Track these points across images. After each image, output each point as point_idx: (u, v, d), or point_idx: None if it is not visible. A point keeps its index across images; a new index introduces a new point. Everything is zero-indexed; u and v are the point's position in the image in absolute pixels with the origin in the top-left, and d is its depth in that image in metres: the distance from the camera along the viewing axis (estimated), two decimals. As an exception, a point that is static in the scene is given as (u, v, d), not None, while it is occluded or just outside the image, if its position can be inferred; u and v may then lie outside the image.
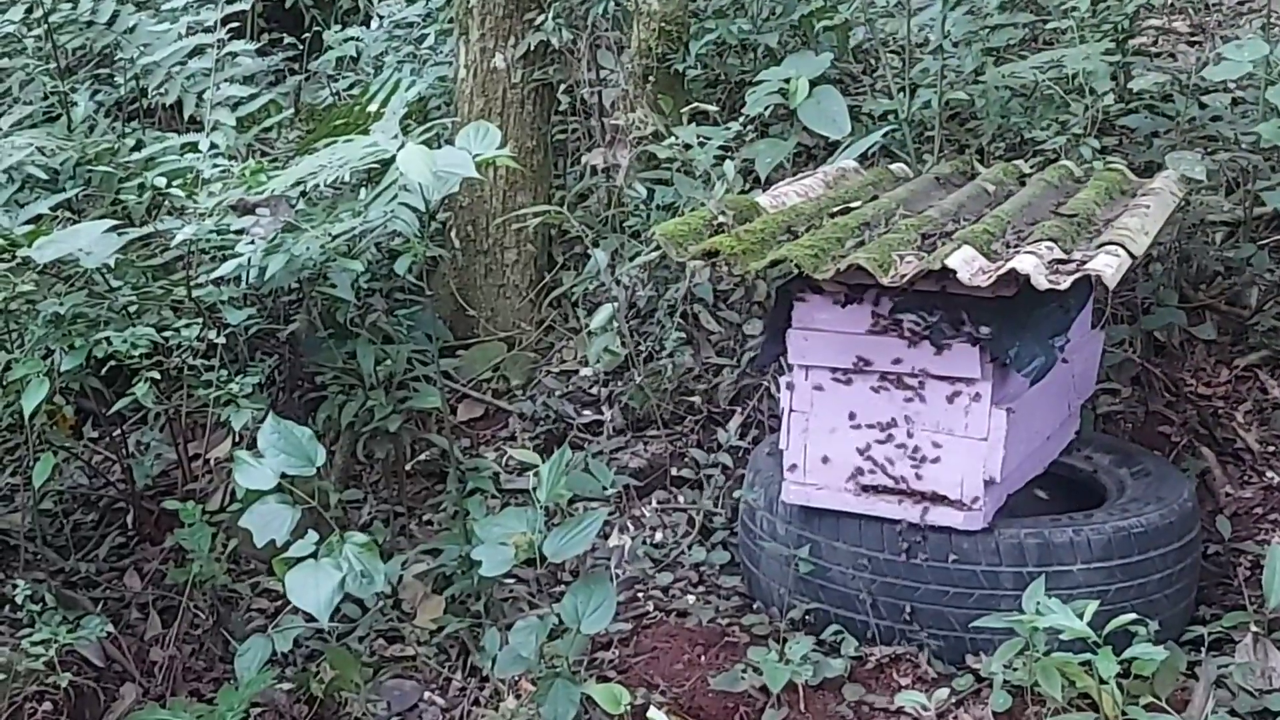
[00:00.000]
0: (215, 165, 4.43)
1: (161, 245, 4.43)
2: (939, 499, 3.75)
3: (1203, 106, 5.31)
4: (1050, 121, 5.03)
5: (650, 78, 5.29)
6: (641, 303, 5.01)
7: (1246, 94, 5.43)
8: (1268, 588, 3.68)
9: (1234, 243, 5.09)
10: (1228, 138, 5.16)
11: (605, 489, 4.34)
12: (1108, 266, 3.46)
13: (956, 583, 3.72)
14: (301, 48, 6.75)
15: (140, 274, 4.36)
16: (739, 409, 4.84)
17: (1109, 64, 5.06)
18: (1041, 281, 3.42)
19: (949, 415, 3.72)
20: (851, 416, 3.83)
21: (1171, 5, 6.69)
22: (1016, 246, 3.68)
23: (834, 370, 3.83)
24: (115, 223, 4.11)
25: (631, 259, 4.89)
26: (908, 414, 3.77)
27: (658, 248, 4.10)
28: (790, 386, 3.90)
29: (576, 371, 5.14)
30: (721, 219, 3.88)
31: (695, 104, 5.03)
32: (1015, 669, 3.50)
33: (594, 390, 5.02)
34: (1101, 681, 3.28)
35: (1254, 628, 3.75)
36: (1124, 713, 3.32)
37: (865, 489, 3.83)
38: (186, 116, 5.15)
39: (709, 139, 4.84)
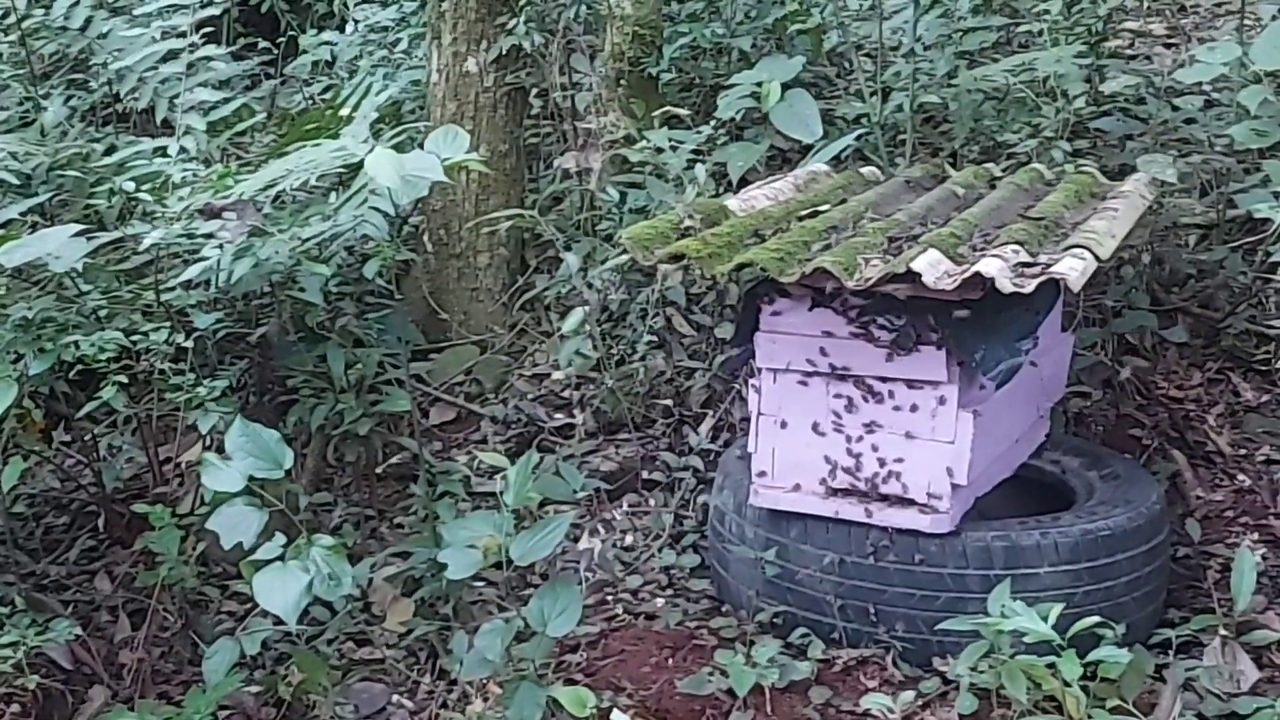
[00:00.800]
0: (184, 169, 4.43)
1: (131, 250, 4.43)
2: (906, 502, 3.75)
3: (1175, 109, 5.32)
4: (1022, 125, 5.04)
5: (623, 81, 5.29)
6: (614, 306, 5.01)
7: (1221, 96, 5.44)
8: (1236, 591, 3.70)
9: (1206, 245, 5.10)
10: (1201, 140, 5.17)
11: (575, 492, 4.33)
12: (1073, 270, 3.47)
13: (923, 586, 3.72)
14: (277, 52, 6.75)
15: (110, 278, 4.36)
16: (710, 412, 4.84)
17: (1081, 67, 5.08)
18: (1006, 285, 3.42)
19: (916, 418, 3.72)
20: (819, 420, 3.83)
21: (1148, 8, 6.70)
22: (983, 250, 3.68)
23: (801, 373, 3.83)
24: (83, 227, 4.11)
25: (604, 262, 4.88)
26: (875, 417, 3.77)
27: (626, 251, 4.10)
28: (758, 390, 3.91)
29: (548, 375, 5.13)
30: (689, 222, 3.88)
31: (668, 107, 5.04)
32: (981, 672, 3.50)
33: (566, 394, 5.02)
34: (1065, 684, 3.28)
35: (1222, 631, 3.76)
36: (1090, 716, 3.32)
37: (833, 492, 3.84)
38: (160, 121, 5.15)
39: (681, 143, 4.85)
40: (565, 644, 3.93)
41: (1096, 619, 3.32)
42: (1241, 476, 4.58)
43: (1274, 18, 4.77)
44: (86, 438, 4.75)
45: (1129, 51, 6.34)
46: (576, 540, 4.45)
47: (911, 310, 3.66)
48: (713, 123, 5.00)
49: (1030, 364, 3.85)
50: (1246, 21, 5.31)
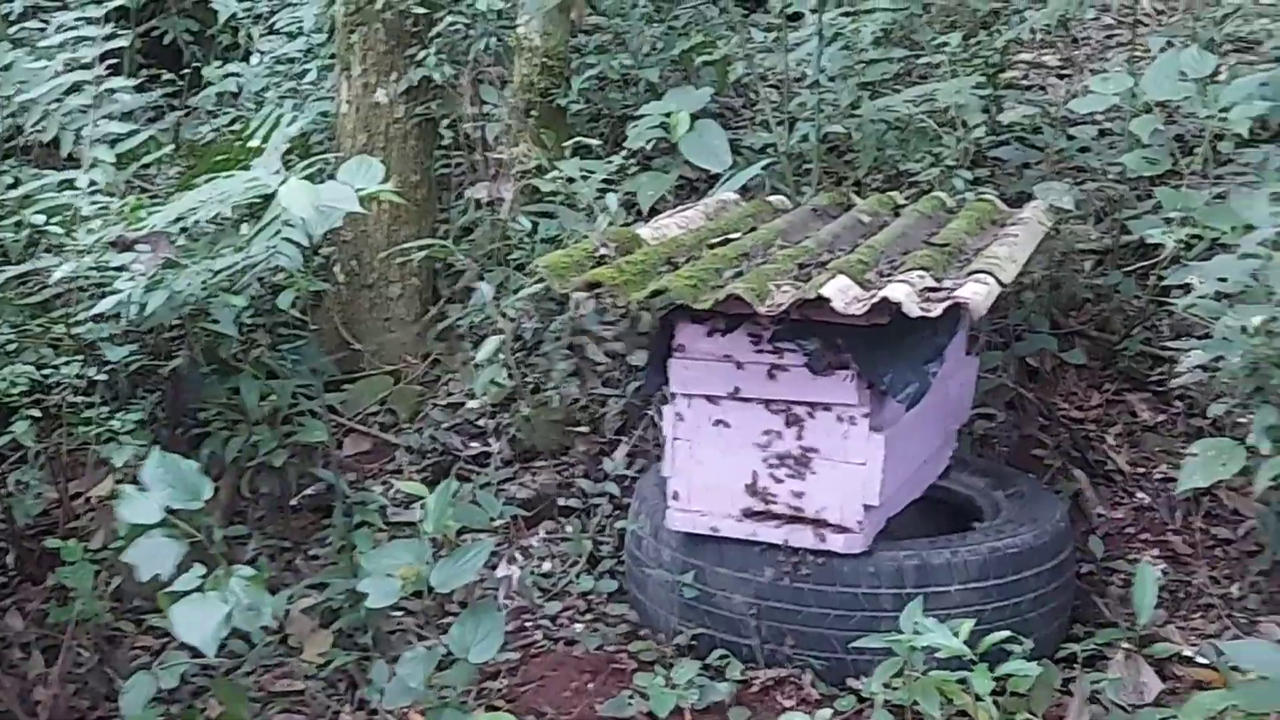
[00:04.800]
0: (94, 202, 4.41)
1: (40, 283, 4.39)
2: (819, 523, 3.82)
3: (1071, 138, 5.47)
4: (924, 154, 5.15)
5: (533, 112, 5.34)
6: (528, 335, 5.04)
7: (1114, 125, 5.59)
8: (1138, 605, 3.77)
9: (1102, 270, 5.23)
10: (1095, 168, 5.31)
11: (493, 520, 4.35)
12: (976, 295, 3.56)
13: (838, 605, 3.78)
14: (181, 84, 6.72)
15: (19, 312, 4.32)
16: (626, 438, 4.88)
17: (980, 97, 5.20)
18: (913, 309, 3.51)
19: (827, 441, 3.79)
20: (732, 443, 3.89)
21: (1042, 40, 6.86)
22: (889, 275, 3.77)
23: (715, 398, 3.89)
24: (-11, 262, 4.08)
25: (516, 292, 4.92)
26: (787, 441, 3.83)
27: (542, 280, 4.14)
28: (673, 415, 3.96)
29: (463, 404, 5.16)
30: (603, 251, 3.93)
31: (578, 138, 5.09)
32: (895, 688, 3.55)
33: (481, 422, 5.04)
34: (977, 698, 3.35)
35: (1126, 644, 3.85)
36: (1000, 728, 3.40)
37: (747, 514, 3.89)
38: (65, 154, 5.11)
39: (592, 172, 4.90)
40: (486, 671, 3.94)
41: (1005, 634, 3.38)
42: (1141, 494, 4.70)
43: (1162, 49, 4.92)
44: (-6, 473, 4.69)
45: (1025, 82, 6.50)
46: (494, 568, 4.47)
47: (821, 335, 3.73)
48: (623, 153, 5.06)
49: (933, 384, 3.92)
50: (1136, 53, 5.46)
